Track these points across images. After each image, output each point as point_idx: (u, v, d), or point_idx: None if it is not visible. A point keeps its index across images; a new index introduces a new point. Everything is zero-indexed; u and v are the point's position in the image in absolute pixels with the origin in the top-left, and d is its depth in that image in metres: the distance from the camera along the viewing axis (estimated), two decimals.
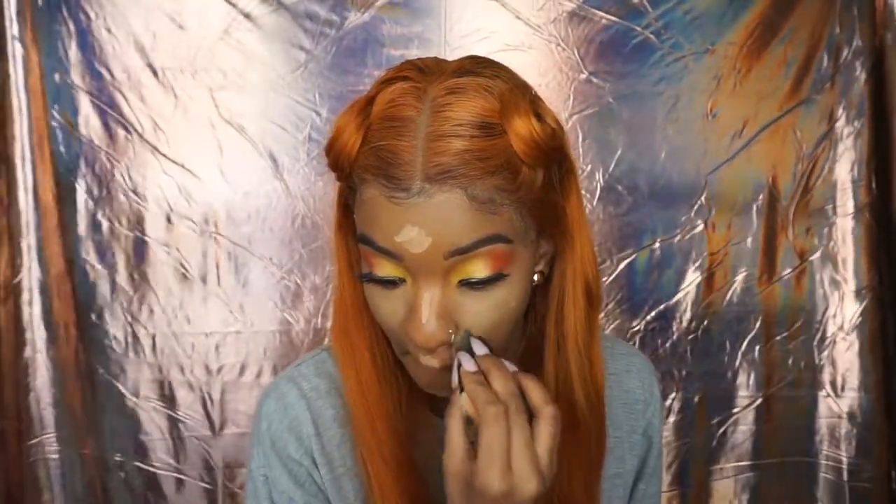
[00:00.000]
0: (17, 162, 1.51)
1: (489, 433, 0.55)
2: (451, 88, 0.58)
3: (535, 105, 0.60)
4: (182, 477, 1.58)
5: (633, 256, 1.62)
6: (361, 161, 0.58)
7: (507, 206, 0.58)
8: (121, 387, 1.55)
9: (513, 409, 0.57)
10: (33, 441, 1.55)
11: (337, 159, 0.60)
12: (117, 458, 1.57)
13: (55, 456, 1.56)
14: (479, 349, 0.60)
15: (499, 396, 0.57)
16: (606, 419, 0.72)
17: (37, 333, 1.54)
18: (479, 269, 0.58)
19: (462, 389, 0.58)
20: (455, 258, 0.57)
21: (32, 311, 1.54)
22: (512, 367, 0.60)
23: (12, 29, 1.49)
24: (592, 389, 0.68)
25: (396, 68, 0.62)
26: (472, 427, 0.58)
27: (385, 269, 0.59)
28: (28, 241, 1.52)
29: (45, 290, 1.53)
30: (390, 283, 0.60)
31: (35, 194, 1.52)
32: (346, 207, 0.65)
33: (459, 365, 0.59)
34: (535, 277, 0.65)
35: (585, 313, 0.66)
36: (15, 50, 1.49)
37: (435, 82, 0.58)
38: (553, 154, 0.60)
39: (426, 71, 0.60)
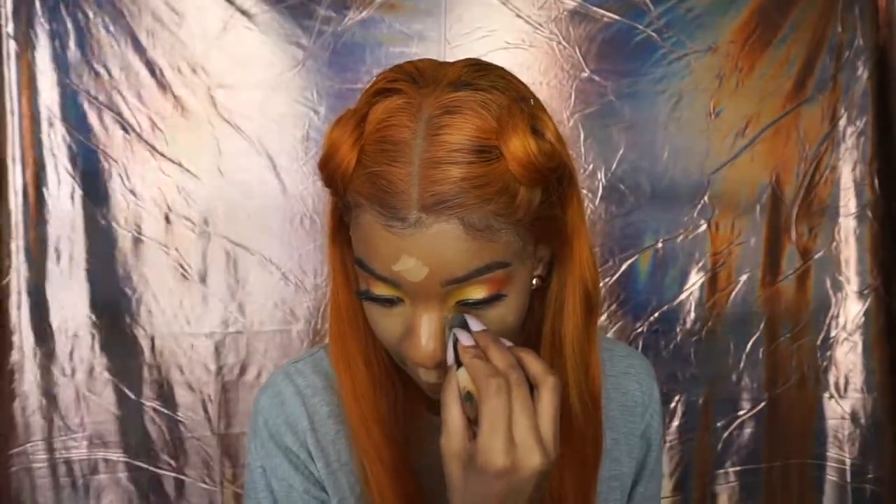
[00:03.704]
0: (9, 162, 1.48)
1: (491, 406, 0.54)
2: (446, 107, 0.56)
3: (533, 119, 0.58)
4: (182, 478, 1.56)
5: (636, 257, 1.61)
6: (356, 185, 0.57)
7: (504, 230, 0.57)
8: (119, 387, 1.53)
9: (514, 381, 0.55)
10: (16, 449, 1.51)
11: (331, 178, 0.59)
12: (114, 461, 1.54)
13: (42, 465, 1.52)
14: (475, 326, 0.59)
15: (498, 369, 0.56)
16: (603, 422, 0.71)
17: (24, 337, 1.50)
18: (476, 292, 0.58)
19: (459, 366, 0.57)
20: (452, 286, 0.57)
21: (21, 314, 1.50)
22: (508, 343, 0.60)
23: (7, 27, 1.47)
24: (588, 395, 0.68)
25: (388, 77, 0.60)
26: (471, 404, 0.56)
27: (382, 290, 0.59)
28: (17, 243, 1.49)
29: (35, 292, 1.50)
30: (388, 302, 0.60)
31: (25, 195, 1.49)
32: (341, 220, 0.64)
33: (456, 341, 0.58)
34: (534, 282, 0.64)
35: (583, 320, 0.66)
36: (9, 48, 1.47)
37: (430, 96, 0.56)
38: (551, 173, 0.58)
39: (420, 82, 0.58)
